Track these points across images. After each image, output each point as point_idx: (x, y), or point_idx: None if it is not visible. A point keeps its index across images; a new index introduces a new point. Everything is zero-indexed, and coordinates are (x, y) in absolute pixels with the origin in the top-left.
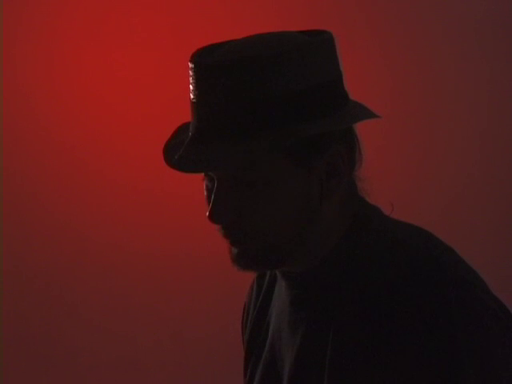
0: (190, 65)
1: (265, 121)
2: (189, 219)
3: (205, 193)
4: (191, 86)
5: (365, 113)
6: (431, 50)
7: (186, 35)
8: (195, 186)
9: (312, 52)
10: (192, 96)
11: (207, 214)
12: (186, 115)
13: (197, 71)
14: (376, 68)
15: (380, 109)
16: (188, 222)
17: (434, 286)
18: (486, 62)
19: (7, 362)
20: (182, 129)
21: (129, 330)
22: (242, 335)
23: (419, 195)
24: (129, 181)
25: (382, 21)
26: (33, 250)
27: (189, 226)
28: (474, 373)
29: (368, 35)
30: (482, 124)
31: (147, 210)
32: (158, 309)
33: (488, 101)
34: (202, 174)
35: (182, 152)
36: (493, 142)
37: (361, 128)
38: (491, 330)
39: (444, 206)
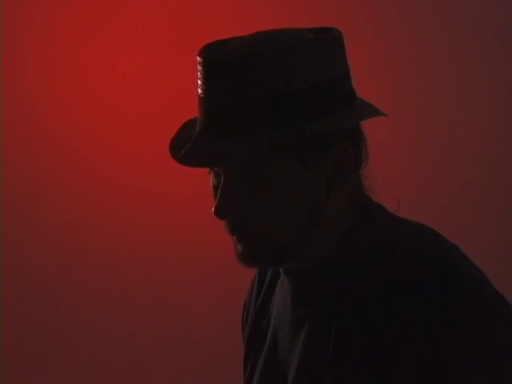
0: (199, 59)
1: (268, 119)
2: (190, 219)
3: (211, 190)
4: (199, 81)
5: (370, 111)
6: (431, 50)
7: (187, 35)
8: (196, 186)
9: (317, 50)
10: (200, 91)
11: (213, 208)
12: (186, 115)
13: (205, 66)
14: (376, 68)
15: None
16: (189, 221)
17: (439, 282)
18: (487, 62)
19: (7, 361)
20: (188, 125)
21: (129, 330)
22: (243, 332)
23: (419, 196)
24: (129, 181)
25: (382, 20)
26: (33, 250)
27: (190, 226)
28: (477, 369)
29: (368, 35)
30: (482, 124)
31: (148, 210)
32: (158, 309)
33: (488, 101)
34: (208, 169)
35: (188, 147)
36: (493, 141)
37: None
38: (495, 326)
39: (444, 207)
